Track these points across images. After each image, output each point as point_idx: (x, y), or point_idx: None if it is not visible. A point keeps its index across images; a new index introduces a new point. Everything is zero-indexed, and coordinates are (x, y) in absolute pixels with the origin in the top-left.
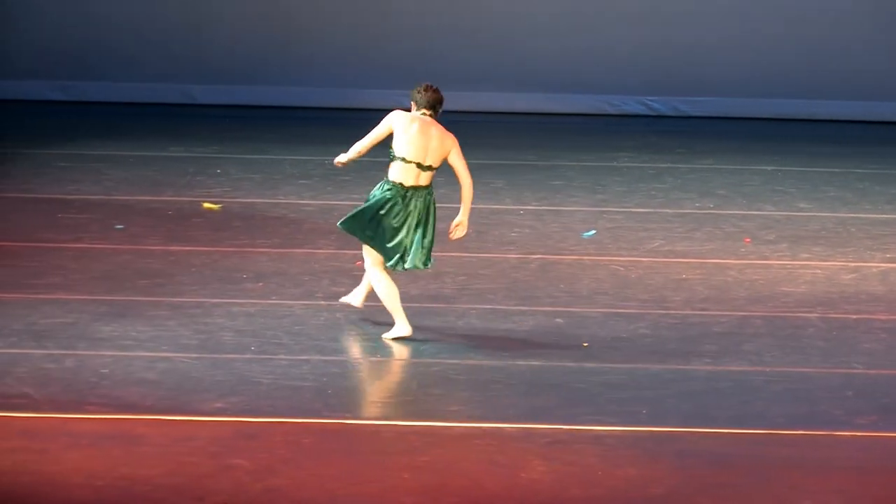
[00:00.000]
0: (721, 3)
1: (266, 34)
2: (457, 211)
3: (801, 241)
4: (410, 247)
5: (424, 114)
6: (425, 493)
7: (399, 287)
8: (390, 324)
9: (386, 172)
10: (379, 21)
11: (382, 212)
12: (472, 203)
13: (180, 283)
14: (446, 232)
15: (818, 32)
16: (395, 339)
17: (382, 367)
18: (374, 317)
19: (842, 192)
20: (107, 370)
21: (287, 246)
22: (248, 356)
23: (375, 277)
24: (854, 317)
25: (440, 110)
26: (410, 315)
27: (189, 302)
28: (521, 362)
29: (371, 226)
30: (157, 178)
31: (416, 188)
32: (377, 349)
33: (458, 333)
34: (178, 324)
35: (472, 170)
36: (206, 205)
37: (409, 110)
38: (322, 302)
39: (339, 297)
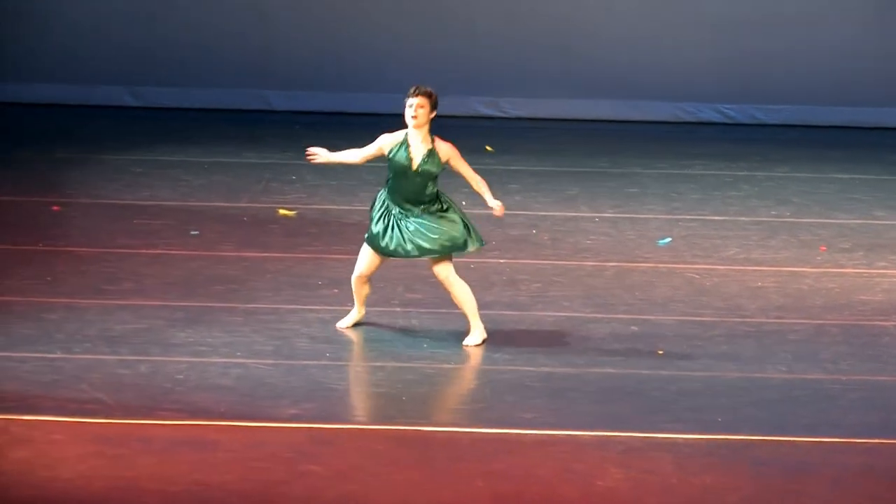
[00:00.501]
0: (796, 10)
1: (340, 40)
2: None
3: (877, 250)
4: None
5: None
6: (500, 501)
7: (474, 294)
8: (462, 330)
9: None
10: (454, 29)
11: None
12: (551, 210)
13: (255, 290)
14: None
15: (892, 39)
16: (473, 346)
17: (457, 374)
18: (449, 324)
19: None
20: (181, 376)
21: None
22: (322, 362)
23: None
24: None
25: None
26: (487, 322)
27: (264, 308)
28: (596, 370)
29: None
30: (232, 185)
31: None
32: (451, 356)
33: (532, 340)
34: (253, 330)
35: (551, 176)
36: (282, 211)
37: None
38: (397, 308)
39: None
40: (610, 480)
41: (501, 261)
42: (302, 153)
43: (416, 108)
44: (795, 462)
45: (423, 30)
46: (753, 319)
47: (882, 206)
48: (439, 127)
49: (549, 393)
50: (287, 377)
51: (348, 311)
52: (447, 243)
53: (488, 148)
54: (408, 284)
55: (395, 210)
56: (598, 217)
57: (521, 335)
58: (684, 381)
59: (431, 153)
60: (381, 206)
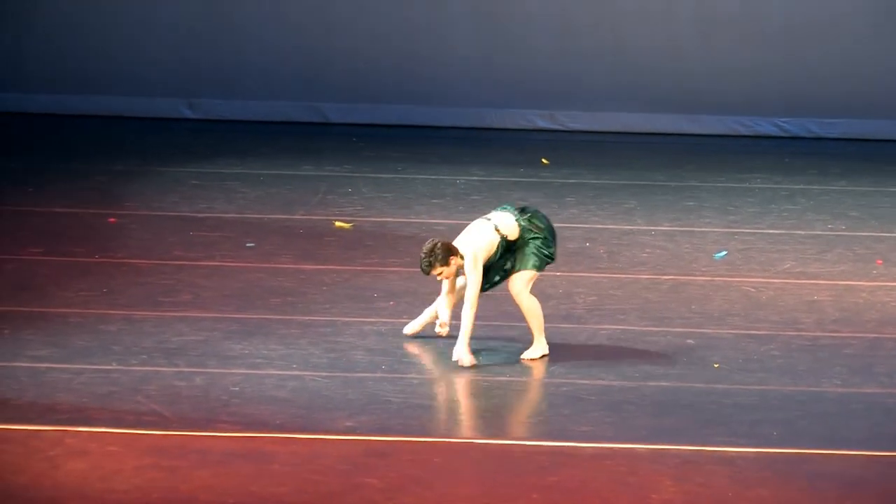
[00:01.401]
0: (853, 22)
1: (397, 52)
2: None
3: None
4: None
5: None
6: None
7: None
8: (523, 343)
9: None
10: (512, 41)
11: None
12: (608, 223)
13: (312, 302)
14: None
15: None
16: (530, 360)
17: (512, 387)
18: (504, 336)
19: None
20: (237, 388)
21: (418, 265)
22: (378, 375)
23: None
24: None
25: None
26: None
27: (320, 320)
28: (651, 383)
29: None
30: (289, 197)
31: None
32: (507, 369)
33: (588, 353)
34: (309, 342)
35: (608, 189)
36: (338, 223)
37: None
38: (453, 321)
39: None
40: (665, 494)
41: (558, 274)
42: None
43: (441, 278)
44: (851, 476)
45: (480, 42)
46: (809, 333)
47: None
48: (497, 139)
49: (604, 406)
50: (343, 389)
51: (405, 323)
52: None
53: (544, 161)
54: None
55: None
56: (654, 230)
57: (576, 348)
58: (740, 394)
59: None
60: None
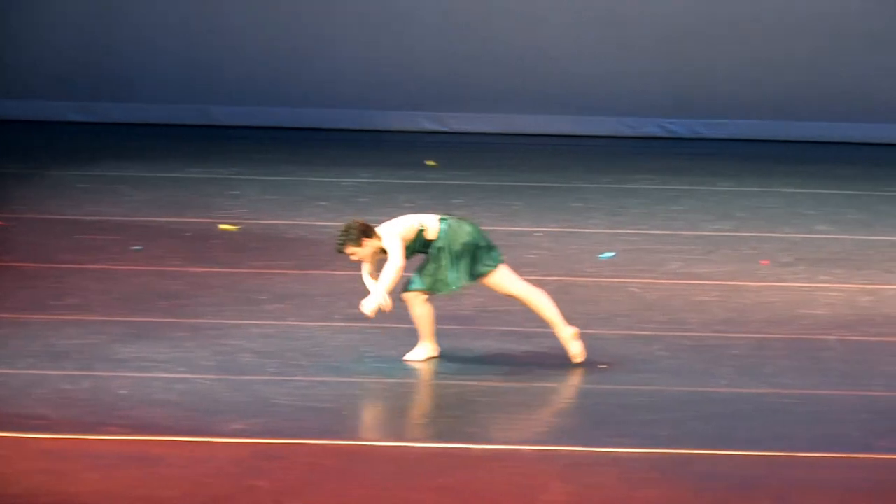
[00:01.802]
0: (740, 24)
1: (285, 55)
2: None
3: (819, 264)
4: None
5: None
6: None
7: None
8: (408, 345)
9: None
10: (398, 43)
11: None
12: (495, 224)
13: (199, 305)
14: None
15: (839, 55)
16: (417, 361)
17: (401, 389)
18: (391, 338)
19: (861, 215)
20: (126, 391)
21: (306, 267)
22: (266, 378)
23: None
24: (873, 339)
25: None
26: None
27: (208, 323)
28: (540, 384)
29: None
30: (176, 200)
31: None
32: (395, 370)
33: (476, 354)
34: (198, 345)
35: (494, 191)
36: (224, 226)
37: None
38: (340, 323)
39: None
40: (553, 494)
41: None
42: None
43: (354, 258)
44: (740, 476)
45: (367, 45)
46: (696, 334)
47: (825, 220)
48: (384, 141)
49: (493, 407)
50: (231, 392)
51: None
52: None
53: (431, 163)
54: (350, 300)
55: None
56: (540, 231)
57: (465, 350)
58: (628, 395)
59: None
60: None
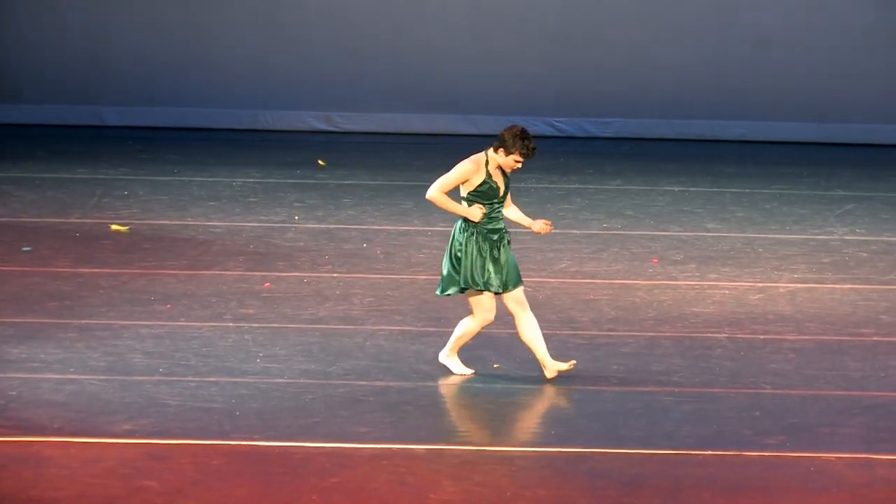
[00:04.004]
0: (628, 24)
1: (174, 55)
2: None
3: (709, 262)
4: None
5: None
6: None
7: (308, 309)
8: (296, 344)
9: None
10: (287, 43)
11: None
12: (385, 224)
13: (89, 306)
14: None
15: (724, 53)
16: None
17: (290, 389)
18: (281, 339)
19: (749, 213)
20: (15, 392)
21: (195, 268)
22: (156, 378)
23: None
24: (762, 337)
25: (497, 146)
26: (320, 337)
27: (97, 324)
28: (430, 383)
29: None
30: (64, 200)
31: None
32: (285, 370)
33: (366, 354)
34: (87, 346)
35: (384, 191)
36: (114, 227)
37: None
38: (230, 323)
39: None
40: (443, 493)
41: (335, 275)
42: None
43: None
44: (630, 475)
45: (256, 44)
46: (586, 332)
47: (714, 218)
48: (273, 141)
49: (383, 407)
50: (121, 393)
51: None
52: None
53: (321, 162)
54: (241, 300)
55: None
56: (431, 231)
57: (354, 349)
58: (518, 393)
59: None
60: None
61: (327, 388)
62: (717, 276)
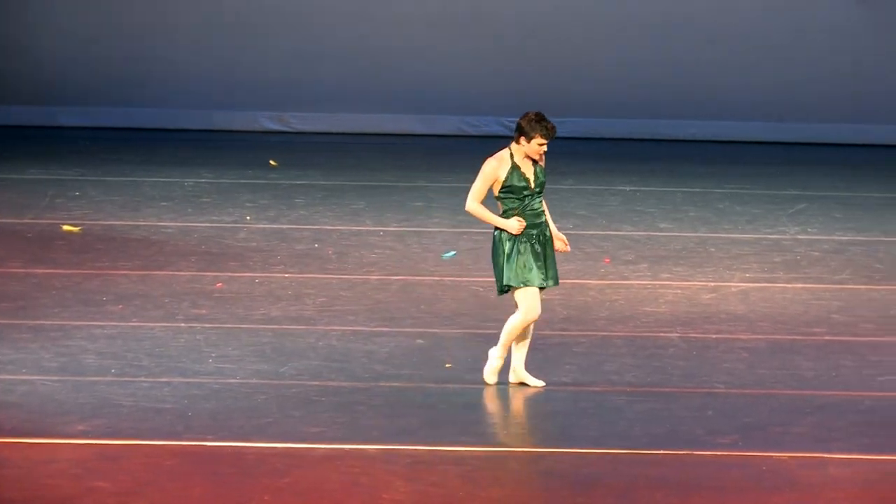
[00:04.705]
0: (581, 24)
1: (127, 56)
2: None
3: (661, 261)
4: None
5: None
6: None
7: (261, 309)
8: (248, 345)
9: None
10: (241, 42)
11: None
12: (337, 224)
13: (41, 306)
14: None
15: (677, 52)
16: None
17: (243, 389)
18: (234, 339)
19: (702, 212)
20: None
21: (148, 268)
22: (109, 378)
23: None
24: (714, 336)
25: (517, 136)
26: (273, 337)
27: (50, 325)
28: (383, 383)
29: None
30: (16, 201)
31: None
32: (237, 371)
33: (319, 355)
34: (40, 346)
35: (337, 191)
36: (67, 227)
37: None
38: (182, 324)
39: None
40: (397, 494)
41: (287, 275)
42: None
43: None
44: (583, 474)
45: (209, 44)
46: (539, 332)
47: (667, 218)
48: (226, 141)
49: (336, 407)
50: (74, 393)
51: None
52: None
53: (273, 162)
54: (193, 300)
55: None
56: (383, 231)
57: (307, 350)
58: (471, 394)
59: (536, 164)
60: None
61: (280, 388)
62: (669, 275)
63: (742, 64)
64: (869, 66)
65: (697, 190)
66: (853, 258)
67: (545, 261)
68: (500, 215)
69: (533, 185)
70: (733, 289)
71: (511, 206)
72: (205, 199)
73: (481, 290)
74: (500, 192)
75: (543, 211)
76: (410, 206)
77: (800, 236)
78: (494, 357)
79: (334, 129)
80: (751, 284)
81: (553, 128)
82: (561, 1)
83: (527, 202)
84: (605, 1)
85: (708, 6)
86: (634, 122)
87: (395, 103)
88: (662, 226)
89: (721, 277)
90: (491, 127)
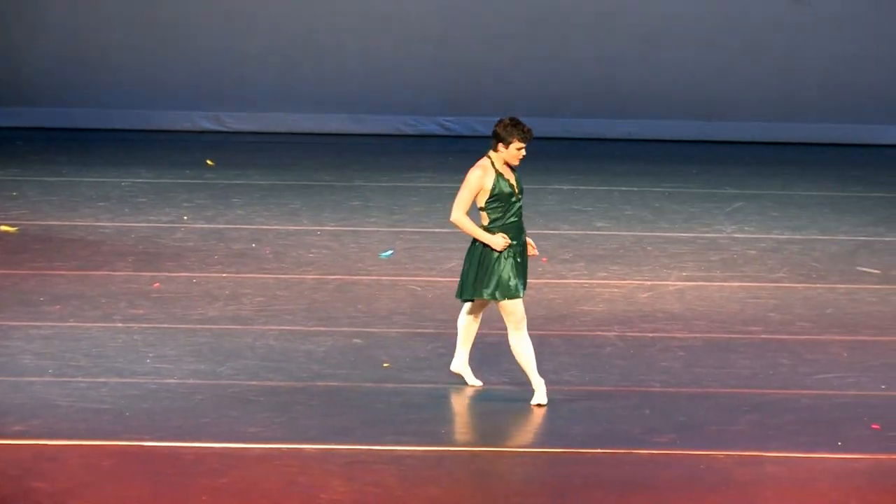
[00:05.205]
0: (515, 23)
1: (62, 56)
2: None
3: (598, 260)
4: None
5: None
6: None
7: (198, 309)
8: (186, 345)
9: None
10: (175, 42)
11: None
12: (274, 223)
13: None
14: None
15: (612, 51)
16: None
17: (180, 390)
18: (171, 339)
19: (639, 211)
20: None
21: (85, 268)
22: (46, 379)
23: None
24: (651, 335)
25: (495, 143)
26: (210, 337)
27: None
28: (320, 383)
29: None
30: None
31: None
32: (175, 371)
33: (256, 354)
34: None
35: (274, 190)
36: (3, 227)
37: None
38: (120, 324)
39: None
40: (334, 493)
41: (224, 275)
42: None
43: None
44: (520, 473)
45: (144, 44)
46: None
47: (603, 216)
48: (162, 141)
49: (273, 407)
50: (11, 394)
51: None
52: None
53: (209, 162)
54: (130, 300)
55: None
56: (320, 230)
57: (244, 349)
58: (409, 393)
59: (516, 171)
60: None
61: (217, 388)
62: (606, 274)
63: (678, 63)
64: (802, 64)
65: (634, 189)
66: (790, 256)
67: (524, 270)
68: (484, 227)
69: (517, 191)
70: (670, 287)
71: (496, 215)
72: (142, 199)
73: (419, 289)
74: (486, 202)
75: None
76: (347, 205)
77: (736, 235)
78: (536, 386)
79: (271, 129)
80: (687, 283)
81: (530, 130)
82: (497, 1)
83: (513, 210)
84: (543, 1)
85: (641, 4)
86: (571, 121)
87: (332, 103)
88: (599, 224)
89: (658, 276)
90: (428, 126)
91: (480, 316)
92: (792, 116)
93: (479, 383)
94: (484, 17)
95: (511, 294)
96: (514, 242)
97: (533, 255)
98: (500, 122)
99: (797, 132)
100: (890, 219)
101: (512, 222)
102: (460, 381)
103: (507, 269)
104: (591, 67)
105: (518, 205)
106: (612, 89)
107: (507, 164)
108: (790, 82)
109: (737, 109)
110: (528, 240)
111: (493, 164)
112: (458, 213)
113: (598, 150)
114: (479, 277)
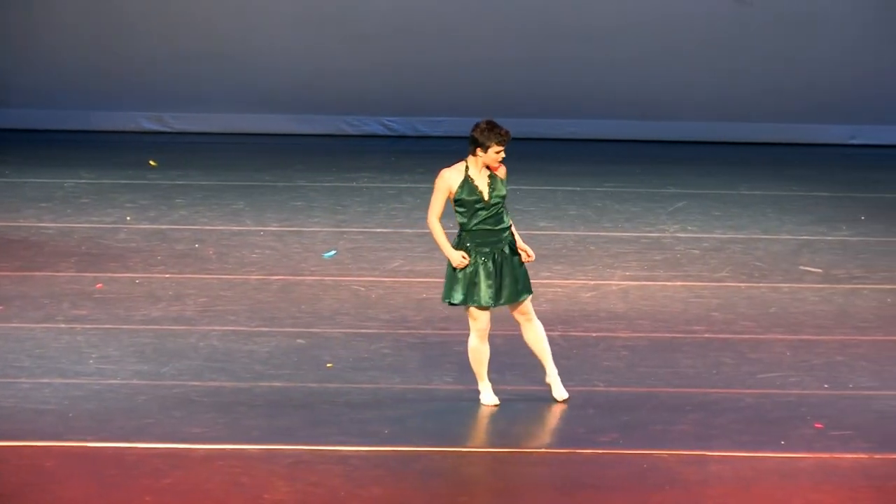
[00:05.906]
0: (458, 22)
1: (2, 57)
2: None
3: (541, 260)
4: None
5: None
6: None
7: (141, 309)
8: (129, 345)
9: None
10: (119, 42)
11: None
12: (217, 224)
13: None
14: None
15: (553, 50)
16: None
17: (124, 390)
18: (114, 340)
19: (582, 211)
20: None
21: (28, 269)
22: None
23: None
24: (594, 335)
25: (473, 148)
26: (153, 337)
27: None
28: (263, 383)
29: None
30: None
31: None
32: (118, 371)
33: (200, 355)
34: None
35: (216, 191)
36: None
37: None
38: (63, 325)
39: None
40: (278, 494)
41: (167, 275)
42: None
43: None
44: (463, 474)
45: (86, 43)
46: (419, 331)
47: (546, 216)
48: (104, 142)
49: (216, 407)
50: None
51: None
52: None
53: (152, 163)
54: (73, 300)
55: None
56: (263, 231)
57: (188, 350)
58: (352, 393)
59: (494, 178)
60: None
61: (160, 388)
62: (549, 274)
63: (620, 62)
64: (744, 64)
65: (577, 188)
66: (732, 256)
67: (500, 279)
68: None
69: (487, 198)
70: (613, 287)
71: (462, 220)
72: (84, 200)
73: (362, 289)
74: (454, 205)
75: (504, 227)
76: (290, 205)
77: (679, 234)
78: (483, 390)
79: (213, 129)
80: (631, 283)
81: (507, 132)
82: (440, 1)
83: (480, 217)
84: (485, 1)
85: (585, 4)
86: (513, 120)
87: (274, 103)
88: (542, 224)
89: (601, 276)
90: (371, 126)
91: (530, 321)
92: (734, 116)
93: (565, 395)
94: (426, 18)
95: (473, 301)
96: (487, 250)
97: (527, 261)
98: (477, 126)
99: (739, 132)
100: (832, 218)
101: (479, 229)
102: (403, 381)
103: (473, 276)
104: (532, 67)
105: (485, 212)
106: (553, 89)
107: (487, 167)
108: (732, 82)
109: (679, 109)
110: (524, 246)
111: (467, 168)
112: (430, 218)
113: (540, 149)
114: (448, 283)
